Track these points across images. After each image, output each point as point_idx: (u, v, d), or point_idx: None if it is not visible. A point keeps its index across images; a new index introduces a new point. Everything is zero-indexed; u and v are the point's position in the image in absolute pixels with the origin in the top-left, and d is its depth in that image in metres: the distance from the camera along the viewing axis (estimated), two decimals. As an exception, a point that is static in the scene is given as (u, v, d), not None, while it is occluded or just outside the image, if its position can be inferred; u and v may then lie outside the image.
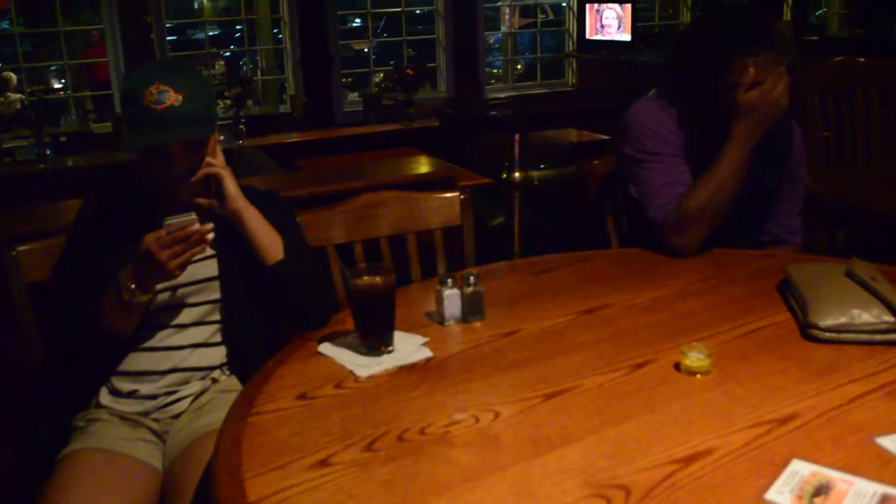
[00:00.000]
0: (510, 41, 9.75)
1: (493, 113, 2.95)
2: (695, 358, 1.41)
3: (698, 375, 1.41)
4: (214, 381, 1.77)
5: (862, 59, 3.11)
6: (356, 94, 8.29)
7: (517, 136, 2.77)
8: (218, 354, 1.77)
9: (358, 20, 9.50)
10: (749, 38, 1.95)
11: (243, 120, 5.79)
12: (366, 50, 9.08)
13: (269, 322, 1.80)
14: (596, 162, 2.33)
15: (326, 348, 1.58)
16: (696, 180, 2.02)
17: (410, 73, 6.40)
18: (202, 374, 1.75)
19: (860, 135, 3.05)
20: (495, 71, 9.90)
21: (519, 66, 10.10)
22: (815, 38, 8.53)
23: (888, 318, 1.50)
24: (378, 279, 1.54)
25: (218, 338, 1.77)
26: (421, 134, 5.91)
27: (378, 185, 2.40)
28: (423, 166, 3.01)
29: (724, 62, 1.95)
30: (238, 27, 9.03)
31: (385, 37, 9.20)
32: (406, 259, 2.04)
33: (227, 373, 1.78)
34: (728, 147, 1.98)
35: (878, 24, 9.01)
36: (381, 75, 8.56)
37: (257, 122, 6.83)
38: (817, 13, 10.99)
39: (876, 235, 2.73)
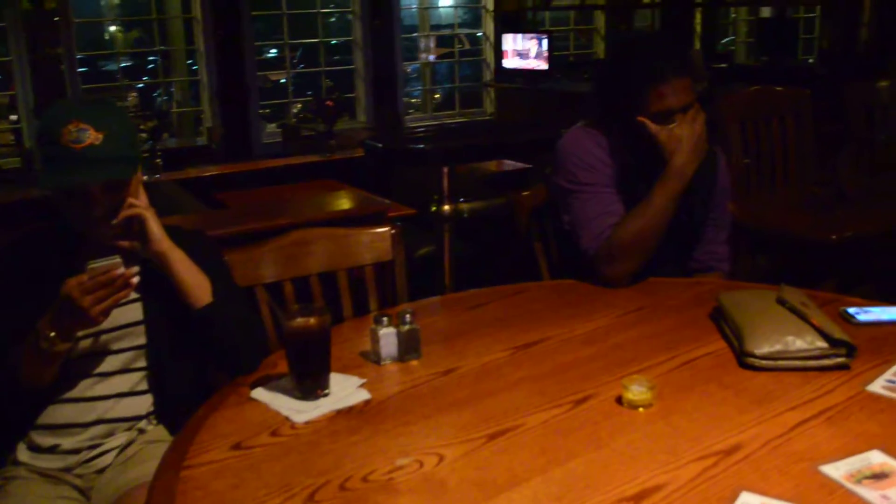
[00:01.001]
0: (428, 71, 9.79)
1: (422, 146, 2.94)
2: (637, 391, 1.41)
3: (641, 409, 1.40)
4: (141, 431, 1.68)
5: (779, 88, 3.20)
6: (274, 125, 8.20)
7: (446, 169, 2.76)
8: (144, 403, 1.69)
9: (274, 50, 9.42)
10: (662, 64, 1.98)
11: (159, 153, 5.66)
12: (283, 80, 9.00)
13: (198, 368, 1.74)
14: (525, 193, 2.33)
15: (260, 394, 1.52)
16: (628, 211, 2.03)
17: (330, 103, 6.36)
18: (128, 424, 1.67)
19: (778, 161, 3.13)
20: (413, 100, 9.92)
21: (437, 96, 10.15)
22: (724, 65, 8.79)
23: (821, 343, 1.52)
24: (312, 320, 1.50)
25: (144, 386, 1.69)
26: (342, 165, 5.87)
27: (307, 221, 2.35)
28: (349, 200, 2.97)
29: (640, 90, 1.98)
30: (151, 58, 8.85)
31: (302, 67, 9.14)
32: (337, 296, 2.00)
33: (155, 422, 1.70)
34: (662, 181, 1.99)
35: (782, 51, 9.36)
36: (300, 106, 8.48)
37: (174, 156, 6.68)
38: (723, 41, 11.36)
39: (797, 259, 2.80)
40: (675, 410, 1.39)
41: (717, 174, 2.22)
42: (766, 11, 10.56)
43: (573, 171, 2.10)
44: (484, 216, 2.99)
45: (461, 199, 3.39)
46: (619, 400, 1.42)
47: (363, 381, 1.54)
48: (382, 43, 8.39)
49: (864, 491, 1.13)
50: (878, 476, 1.16)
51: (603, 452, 1.28)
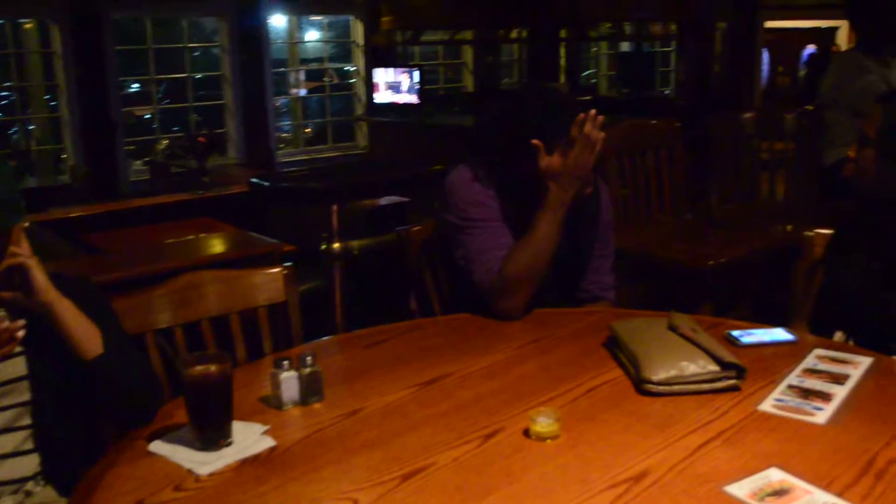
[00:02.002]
0: (299, 105, 9.73)
1: (315, 184, 2.91)
2: (544, 423, 1.43)
3: (548, 441, 1.42)
4: (28, 494, 1.58)
5: (653, 122, 3.35)
6: (140, 162, 7.95)
7: (335, 207, 2.74)
8: (30, 463, 1.59)
9: (136, 85, 9.16)
10: (562, 109, 2.05)
11: (21, 194, 5.38)
12: (147, 116, 8.76)
13: (89, 423, 1.65)
14: (415, 228, 2.33)
15: (158, 446, 1.46)
16: (515, 243, 2.07)
17: (202, 139, 6.22)
18: (13, 487, 1.57)
19: (653, 191, 3.27)
20: (284, 135, 9.83)
21: (307, 130, 10.09)
22: (588, 98, 9.10)
23: (713, 367, 1.59)
24: (213, 367, 1.45)
25: (30, 444, 1.59)
26: (216, 203, 5.73)
27: (199, 263, 2.28)
28: (238, 241, 2.91)
29: (547, 128, 2.03)
30: (6, 94, 8.44)
31: (167, 103, 8.91)
32: (230, 340, 1.95)
33: (43, 484, 1.60)
34: (542, 212, 2.04)
35: (641, 84, 9.79)
36: (167, 142, 8.27)
37: (35, 196, 6.38)
38: (584, 74, 11.78)
39: (675, 286, 2.92)
40: (582, 440, 1.42)
41: (600, 204, 2.29)
42: (625, 46, 11.05)
43: (462, 208, 2.13)
44: (373, 253, 2.99)
45: (322, 235, 3.38)
46: (527, 433, 1.44)
47: (266, 427, 1.51)
48: (252, 77, 8.30)
49: (768, 509, 1.18)
50: (779, 493, 1.22)
51: (517, 487, 1.29)
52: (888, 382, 1.63)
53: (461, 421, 1.51)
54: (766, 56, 10.69)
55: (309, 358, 1.62)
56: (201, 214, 5.45)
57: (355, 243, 2.89)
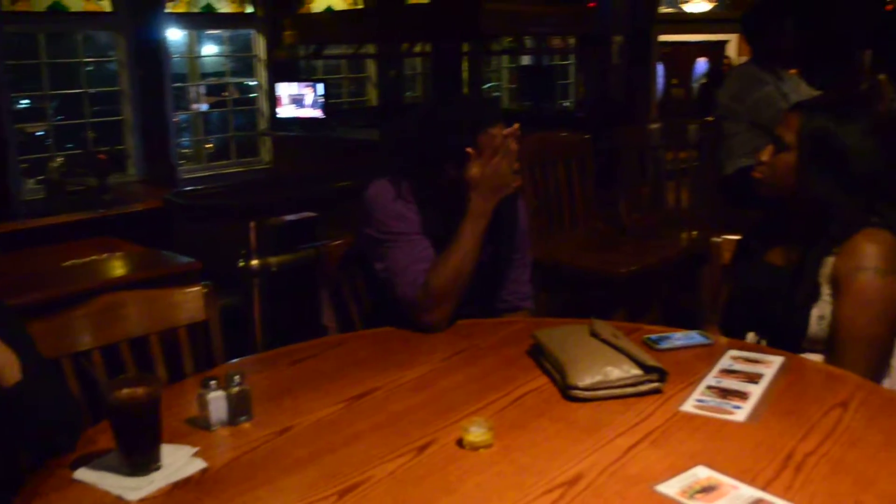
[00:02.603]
0: (200, 120, 9.56)
1: (233, 201, 2.87)
2: (477, 433, 1.44)
3: (482, 450, 1.44)
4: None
5: (563, 134, 3.43)
6: (33, 181, 7.66)
7: (253, 224, 2.71)
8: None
9: (26, 101, 8.83)
10: (489, 109, 2.08)
11: None
12: (39, 133, 8.45)
13: (6, 453, 1.59)
14: (335, 243, 2.33)
15: (84, 474, 1.42)
16: (438, 256, 2.09)
17: (103, 156, 6.05)
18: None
19: (565, 202, 3.34)
20: (186, 151, 9.64)
21: (209, 145, 9.92)
22: (491, 110, 9.21)
23: (636, 371, 1.64)
24: (140, 390, 1.42)
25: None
26: (117, 221, 5.57)
27: (115, 284, 2.22)
28: (148, 259, 2.83)
29: (471, 132, 2.06)
30: None
31: (61, 119, 8.62)
32: (150, 362, 1.90)
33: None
34: (465, 222, 2.07)
35: (542, 97, 9.98)
36: (61, 160, 8.00)
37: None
38: (486, 86, 11.94)
39: (589, 293, 2.99)
40: (515, 448, 1.44)
41: (518, 215, 2.33)
42: (525, 59, 11.25)
43: (383, 221, 2.14)
44: (290, 269, 2.97)
45: (242, 251, 3.33)
46: (460, 443, 1.45)
47: (196, 449, 1.48)
48: (151, 92, 8.11)
49: (698, 505, 1.23)
50: (707, 489, 1.27)
51: (455, 497, 1.30)
52: (798, 380, 1.72)
53: (394, 434, 1.52)
54: (660, 69, 11.04)
55: (237, 377, 1.60)
56: (103, 233, 5.29)
57: (273, 259, 2.87)
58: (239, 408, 1.59)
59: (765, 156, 2.02)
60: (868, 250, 1.87)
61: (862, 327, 1.86)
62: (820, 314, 1.91)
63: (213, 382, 1.58)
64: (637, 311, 2.89)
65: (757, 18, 3.77)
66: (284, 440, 1.53)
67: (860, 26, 5.81)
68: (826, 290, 1.91)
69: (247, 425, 1.58)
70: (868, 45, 3.73)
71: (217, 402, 1.57)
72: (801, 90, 3.78)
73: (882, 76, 4.19)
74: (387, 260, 2.14)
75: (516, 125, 2.07)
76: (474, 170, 2.08)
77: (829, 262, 1.91)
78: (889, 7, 5.33)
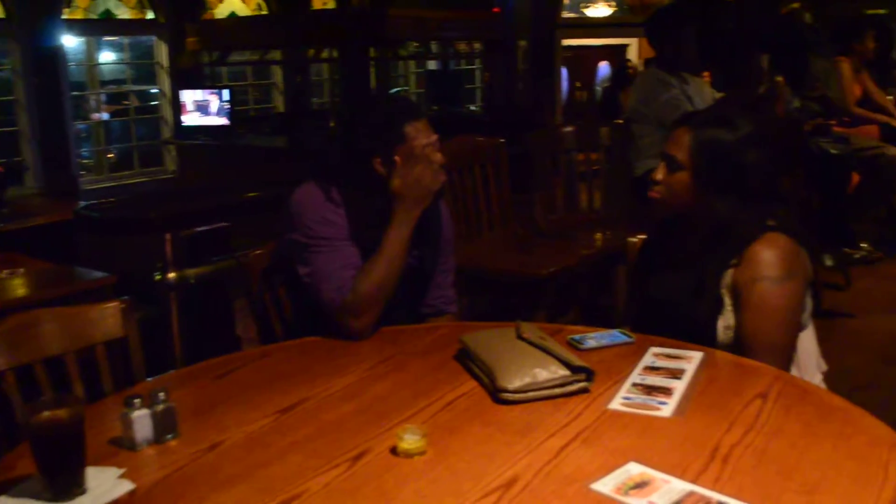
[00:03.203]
0: (101, 130, 9.30)
1: (150, 215, 2.79)
2: (411, 440, 1.44)
3: (416, 457, 1.44)
4: None
5: (479, 138, 3.46)
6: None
7: (169, 236, 2.64)
8: None
9: None
10: (411, 105, 2.10)
11: None
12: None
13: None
14: (256, 252, 2.30)
15: (4, 502, 1.36)
16: (365, 261, 2.09)
17: (0, 168, 5.82)
18: None
19: (482, 206, 3.37)
20: (86, 161, 9.36)
21: (111, 155, 9.65)
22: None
23: (563, 372, 1.66)
24: (62, 412, 1.38)
25: None
26: (15, 236, 5.35)
27: (27, 302, 2.14)
28: (67, 276, 2.73)
29: (396, 127, 2.07)
30: None
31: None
32: (67, 381, 1.84)
33: None
34: (391, 230, 2.08)
35: (450, 101, 10.05)
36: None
37: None
38: (394, 90, 11.94)
39: (509, 296, 3.02)
40: (449, 453, 1.45)
41: (441, 219, 2.34)
42: (432, 64, 11.30)
43: (309, 226, 2.12)
44: (212, 280, 2.91)
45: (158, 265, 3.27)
46: (395, 451, 1.45)
47: (122, 470, 1.44)
48: (49, 102, 7.86)
49: (633, 500, 1.25)
50: (641, 485, 1.29)
51: (394, 506, 1.30)
52: (718, 374, 1.77)
53: (327, 445, 1.50)
54: (564, 73, 11.25)
55: (161, 394, 1.56)
56: (2, 249, 5.08)
57: (192, 272, 2.81)
58: (164, 425, 1.55)
59: (659, 175, 2.02)
60: (765, 258, 1.90)
61: (766, 337, 1.90)
62: (725, 324, 1.96)
63: (136, 401, 1.54)
64: (557, 311, 2.94)
65: (659, 25, 3.89)
66: (214, 456, 1.50)
67: (758, 31, 6.04)
68: (728, 301, 1.96)
69: (174, 443, 1.55)
70: (765, 49, 3.88)
71: (141, 420, 1.53)
72: (706, 93, 3.91)
73: (779, 78, 4.37)
74: (312, 265, 2.12)
75: (434, 137, 2.09)
76: (398, 180, 2.09)
77: (729, 273, 1.95)
78: (784, 12, 5.57)
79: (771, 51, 4.23)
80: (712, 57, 4.31)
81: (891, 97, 5.99)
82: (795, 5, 7.55)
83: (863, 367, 3.97)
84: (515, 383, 1.63)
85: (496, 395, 1.65)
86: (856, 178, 5.02)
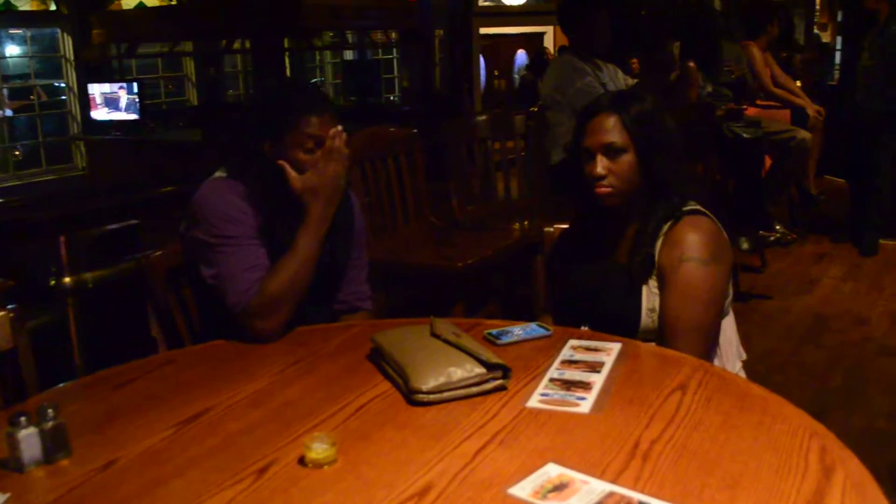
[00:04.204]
0: (5, 126, 8.91)
1: (41, 216, 2.64)
2: (319, 449, 1.37)
3: (326, 467, 1.36)
4: None
5: (392, 129, 3.37)
6: None
7: (63, 238, 2.50)
8: None
9: None
10: (307, 97, 2.03)
11: None
12: None
13: None
14: (157, 253, 2.18)
15: None
16: (275, 261, 2.00)
17: None
18: None
19: (397, 198, 3.29)
20: (-10, 159, 8.97)
21: (17, 153, 9.27)
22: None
23: (479, 370, 1.60)
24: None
25: None
26: None
27: None
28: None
29: (289, 121, 1.98)
30: None
31: None
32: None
33: None
34: (304, 229, 2.00)
35: (367, 92, 9.93)
36: None
37: None
38: (312, 81, 11.76)
39: (426, 289, 2.96)
40: (361, 461, 1.38)
41: (353, 212, 2.26)
42: (349, 54, 11.16)
43: (214, 224, 2.02)
44: (110, 284, 2.76)
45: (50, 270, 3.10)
46: (303, 461, 1.37)
47: (6, 495, 1.33)
48: (-55, 98, 7.49)
49: (552, 505, 1.20)
50: (559, 487, 1.24)
51: (300, 521, 1.22)
52: (637, 365, 1.73)
53: (230, 458, 1.42)
54: (482, 61, 11.24)
55: (50, 410, 1.45)
56: None
57: (89, 275, 2.67)
58: (55, 444, 1.44)
59: (600, 168, 1.97)
60: (690, 240, 1.91)
61: (689, 318, 1.90)
62: (650, 307, 1.95)
63: (23, 418, 1.42)
64: (476, 304, 2.89)
65: (571, 11, 3.86)
66: (109, 475, 1.39)
67: (668, 18, 6.11)
68: (653, 283, 1.95)
69: (65, 462, 1.44)
70: (676, 35, 3.89)
71: (29, 439, 1.42)
72: (619, 79, 3.91)
73: (691, 63, 4.40)
74: (217, 266, 2.02)
75: (339, 128, 2.01)
76: (310, 177, 2.00)
77: (654, 259, 1.94)
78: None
79: (682, 37, 4.25)
80: (625, 43, 4.32)
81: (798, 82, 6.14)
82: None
83: (780, 348, 4.05)
84: (430, 384, 1.57)
85: (410, 396, 1.58)
86: (768, 161, 5.10)
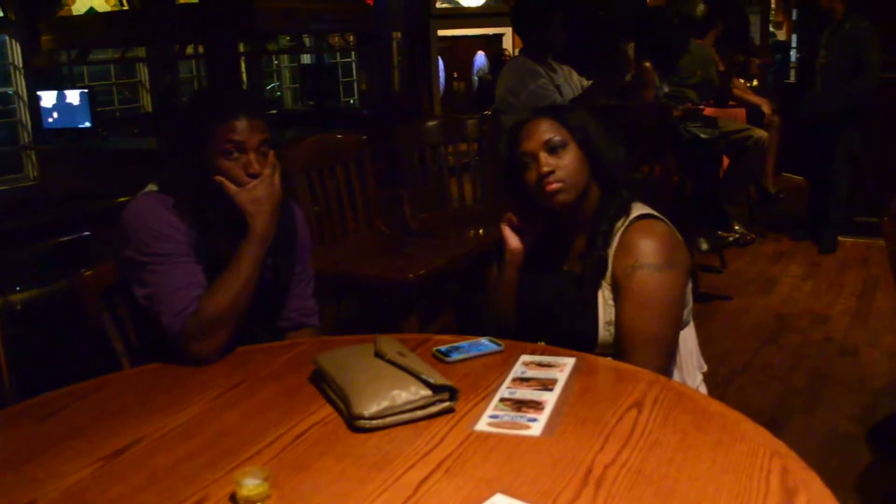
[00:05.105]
0: (-49, 137, 8.68)
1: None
2: (251, 486, 1.27)
3: (259, 503, 1.27)
4: None
5: (339, 136, 3.27)
6: None
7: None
8: None
9: None
10: (232, 100, 1.94)
11: None
12: None
13: None
14: (88, 273, 2.07)
15: None
16: (212, 279, 1.90)
17: None
18: None
19: (346, 207, 3.19)
20: (-68, 171, 8.72)
21: (-35, 165, 9.03)
22: (274, 111, 8.97)
23: (424, 392, 1.52)
24: None
25: None
26: None
27: None
28: None
29: (211, 127, 1.89)
30: None
31: None
32: None
33: None
34: (246, 245, 1.90)
35: (326, 96, 9.81)
36: None
37: None
38: (269, 87, 11.62)
39: (379, 301, 2.86)
40: (296, 496, 1.29)
41: (296, 225, 2.17)
42: (306, 58, 11.02)
43: (146, 242, 1.91)
44: (43, 305, 2.63)
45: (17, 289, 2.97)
46: (234, 498, 1.28)
47: None
48: None
49: (497, 543, 1.12)
50: (507, 523, 1.16)
51: (226, 568, 1.13)
52: (592, 382, 1.66)
53: (158, 496, 1.32)
54: (441, 63, 11.16)
55: (-41, 449, 1.34)
56: None
57: (17, 297, 2.53)
58: (-35, 486, 1.34)
59: (545, 167, 1.91)
60: (642, 246, 1.84)
61: (645, 328, 1.82)
62: (607, 320, 1.87)
63: (-72, 460, 1.32)
64: (429, 315, 2.81)
65: (524, 12, 3.79)
66: (23, 520, 1.29)
67: (623, 18, 6.07)
68: (608, 294, 1.87)
69: (-24, 506, 1.33)
70: (631, 36, 3.84)
71: (-65, 483, 1.31)
72: (574, 81, 3.84)
73: (647, 64, 4.35)
74: (150, 286, 1.91)
75: (260, 136, 1.93)
76: (257, 189, 1.91)
77: (608, 264, 1.87)
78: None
79: (637, 38, 4.21)
80: (579, 44, 4.26)
81: (748, 83, 6.14)
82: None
83: (741, 350, 4.01)
84: (372, 408, 1.48)
85: (351, 422, 1.49)
86: (726, 161, 5.08)
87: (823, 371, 3.76)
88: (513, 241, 2.03)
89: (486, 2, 11.21)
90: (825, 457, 2.91)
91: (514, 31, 3.91)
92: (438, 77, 10.92)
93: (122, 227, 1.96)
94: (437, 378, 1.53)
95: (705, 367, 2.02)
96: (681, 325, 1.90)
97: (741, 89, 5.89)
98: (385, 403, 1.49)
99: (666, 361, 1.84)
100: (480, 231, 3.36)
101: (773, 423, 3.09)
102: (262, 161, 1.93)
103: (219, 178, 1.90)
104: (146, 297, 1.92)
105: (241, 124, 1.90)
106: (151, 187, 2.01)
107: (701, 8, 5.33)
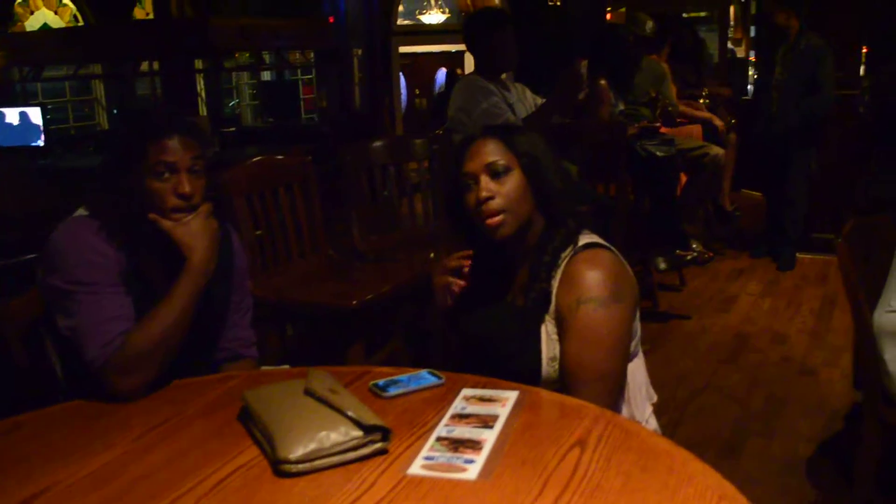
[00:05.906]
0: None
1: None
2: (161, 540, 1.18)
3: (169, 560, 1.18)
4: None
5: (280, 157, 3.18)
6: None
7: None
8: None
9: None
10: (162, 121, 1.87)
11: None
12: None
13: None
14: (13, 302, 1.96)
15: None
16: (141, 311, 1.80)
17: None
18: None
19: (290, 231, 3.09)
20: None
21: None
22: (233, 129, 8.85)
23: (355, 432, 1.43)
24: None
25: None
26: None
27: None
28: None
29: (140, 148, 1.82)
30: None
31: None
32: None
33: None
34: (183, 279, 1.83)
35: (286, 113, 9.71)
36: None
37: None
38: (230, 104, 11.50)
39: (324, 328, 2.77)
40: (209, 552, 1.19)
41: (233, 254, 2.08)
42: (266, 75, 10.93)
43: (71, 271, 1.81)
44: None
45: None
46: (142, 555, 1.18)
47: None
48: None
49: None
50: (432, 582, 1.08)
51: None
52: (534, 418, 1.58)
53: (59, 553, 1.22)
54: (403, 80, 11.11)
55: None
56: None
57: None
58: None
59: (484, 192, 1.81)
60: (588, 279, 1.75)
61: (591, 366, 1.74)
62: (551, 356, 1.79)
63: None
64: (377, 341, 2.72)
65: (473, 30, 3.73)
66: None
67: (576, 35, 6.05)
68: (552, 328, 1.79)
69: None
70: (584, 53, 3.79)
71: None
72: (527, 99, 3.79)
73: (602, 81, 4.31)
74: (74, 316, 1.81)
75: (191, 153, 1.85)
76: (193, 222, 1.83)
77: (552, 297, 1.79)
78: (609, 17, 5.59)
79: (592, 55, 4.16)
80: (532, 62, 4.21)
81: (702, 100, 6.14)
82: (622, 10, 7.67)
83: (699, 369, 3.96)
84: (298, 452, 1.39)
85: (276, 467, 1.40)
86: (683, 178, 5.05)
87: (782, 393, 3.72)
88: (444, 301, 1.94)
89: (447, 19, 11.19)
90: (784, 480, 2.86)
91: (467, 49, 3.84)
92: (400, 94, 10.88)
93: (47, 252, 1.86)
94: (369, 417, 1.45)
95: (655, 398, 1.95)
96: (628, 359, 1.83)
97: (691, 106, 5.90)
98: (312, 446, 1.40)
99: (614, 398, 1.76)
100: (431, 254, 3.28)
101: (731, 448, 3.04)
102: (193, 181, 1.85)
103: (152, 215, 1.83)
104: (69, 328, 1.82)
105: (174, 143, 1.84)
106: (80, 212, 1.91)
107: (650, 25, 5.32)
